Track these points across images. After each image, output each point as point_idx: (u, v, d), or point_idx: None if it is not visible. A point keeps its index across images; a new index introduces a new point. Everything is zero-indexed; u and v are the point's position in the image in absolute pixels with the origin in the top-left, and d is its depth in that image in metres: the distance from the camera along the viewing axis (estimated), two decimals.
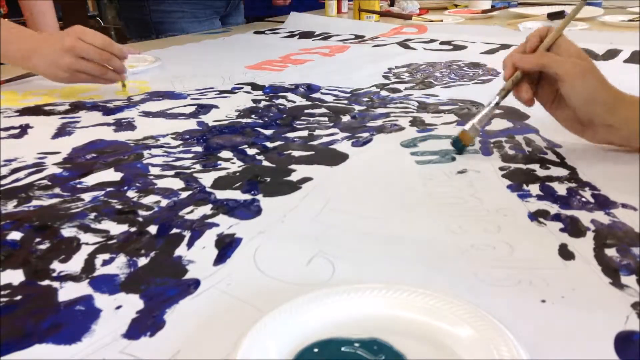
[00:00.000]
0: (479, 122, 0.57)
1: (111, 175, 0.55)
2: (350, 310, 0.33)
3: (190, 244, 0.42)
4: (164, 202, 0.49)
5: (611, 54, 1.07)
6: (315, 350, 0.30)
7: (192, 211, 0.47)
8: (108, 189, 0.52)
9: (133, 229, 0.44)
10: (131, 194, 0.51)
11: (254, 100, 0.81)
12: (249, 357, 0.29)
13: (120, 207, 0.48)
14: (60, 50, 0.79)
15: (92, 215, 0.47)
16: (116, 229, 0.44)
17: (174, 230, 0.44)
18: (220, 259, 0.40)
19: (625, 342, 0.31)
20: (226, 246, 0.42)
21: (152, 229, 0.44)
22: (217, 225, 0.45)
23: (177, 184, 0.53)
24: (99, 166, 0.57)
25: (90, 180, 0.54)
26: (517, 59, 0.54)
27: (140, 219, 0.46)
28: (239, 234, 0.43)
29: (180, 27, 1.46)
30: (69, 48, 0.79)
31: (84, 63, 0.80)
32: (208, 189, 0.51)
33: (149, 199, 0.50)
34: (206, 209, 0.47)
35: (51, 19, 1.25)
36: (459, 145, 0.57)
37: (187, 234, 0.43)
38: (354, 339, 0.31)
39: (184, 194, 0.50)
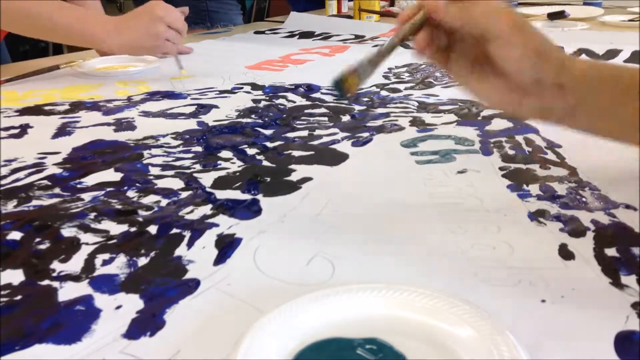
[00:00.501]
0: (369, 64, 0.45)
1: (111, 175, 0.55)
2: (351, 310, 0.33)
3: (190, 244, 0.42)
4: (164, 202, 0.49)
5: (611, 54, 1.07)
6: (315, 350, 0.30)
7: (192, 211, 0.47)
8: (108, 189, 0.52)
9: (133, 229, 0.44)
10: (131, 194, 0.51)
11: (254, 100, 0.81)
12: (249, 357, 0.29)
13: (120, 207, 0.48)
14: (154, 19, 0.86)
15: (92, 215, 0.47)
16: (116, 229, 0.44)
17: (174, 230, 0.44)
18: (220, 259, 0.40)
19: (625, 342, 0.31)
20: (226, 246, 0.42)
21: (152, 229, 0.44)
22: (217, 225, 0.45)
23: (177, 184, 0.53)
24: (99, 166, 0.57)
25: (90, 180, 0.54)
26: (432, 6, 0.42)
27: (140, 219, 0.46)
28: (239, 234, 0.43)
29: (230, 18, 1.48)
30: (161, 17, 0.85)
31: (172, 32, 0.87)
32: (208, 189, 0.51)
33: (149, 199, 0.50)
34: (206, 209, 0.47)
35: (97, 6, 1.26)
36: (341, 90, 0.44)
37: (187, 234, 0.43)
38: (353, 339, 0.31)
39: (184, 194, 0.50)
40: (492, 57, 0.41)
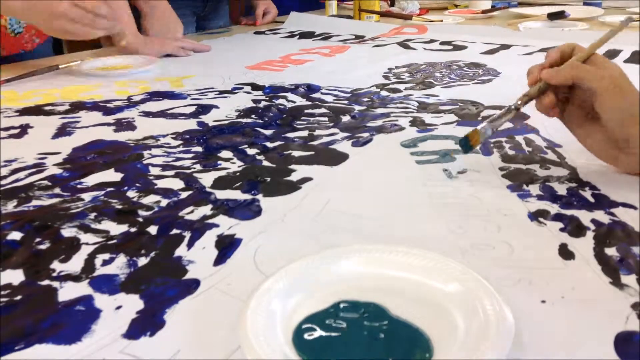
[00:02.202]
0: (493, 124, 0.52)
1: (111, 175, 0.55)
2: (351, 270, 0.36)
3: (190, 245, 0.42)
4: (164, 202, 0.49)
5: (611, 54, 1.07)
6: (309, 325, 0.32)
7: (192, 211, 0.47)
8: (108, 189, 0.52)
9: (133, 229, 0.44)
10: (131, 194, 0.51)
11: (254, 101, 0.81)
12: (255, 322, 0.30)
13: (120, 207, 0.48)
14: (52, 15, 0.84)
15: (92, 215, 0.47)
16: (116, 229, 0.44)
17: (174, 231, 0.44)
18: (221, 259, 0.40)
19: (625, 342, 0.31)
20: (226, 247, 0.42)
21: (152, 229, 0.44)
22: (217, 225, 0.45)
23: (177, 184, 0.53)
24: (99, 166, 0.57)
25: (90, 180, 0.54)
26: (546, 72, 0.49)
27: (140, 219, 0.46)
28: (239, 235, 0.43)
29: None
30: (60, 14, 0.84)
31: (81, 12, 0.85)
32: (208, 189, 0.51)
33: (149, 199, 0.50)
34: (206, 209, 0.47)
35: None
36: (467, 145, 0.53)
37: (187, 234, 0.43)
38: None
39: (184, 194, 0.50)
40: (596, 112, 0.48)
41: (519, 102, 0.52)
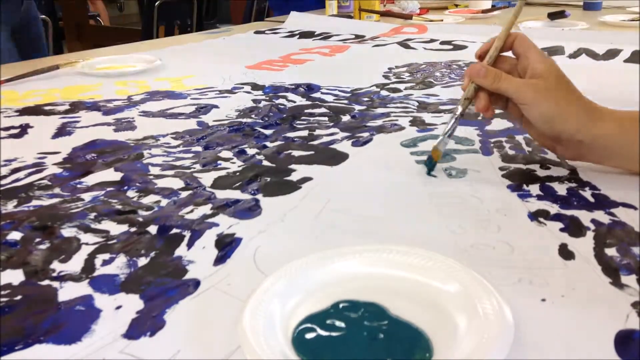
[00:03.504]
0: (446, 136, 0.53)
1: (111, 175, 0.55)
2: (350, 270, 0.36)
3: (190, 244, 0.42)
4: (164, 202, 0.49)
5: (611, 54, 1.07)
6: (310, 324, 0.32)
7: (192, 211, 0.47)
8: (108, 189, 0.52)
9: (133, 229, 0.44)
10: (131, 193, 0.51)
11: (254, 100, 0.81)
12: (254, 321, 0.30)
13: (120, 207, 0.48)
14: None
15: (92, 215, 0.47)
16: (116, 229, 0.44)
17: (174, 230, 0.44)
18: (221, 259, 0.40)
19: (625, 341, 0.31)
20: (226, 246, 0.42)
21: (152, 229, 0.44)
22: (217, 225, 0.45)
23: (177, 183, 0.53)
24: (98, 166, 0.57)
25: (90, 180, 0.54)
26: (474, 75, 0.51)
27: (140, 219, 0.46)
28: (239, 234, 0.43)
29: None
30: None
31: None
32: (208, 189, 0.51)
33: (149, 199, 0.50)
34: (206, 209, 0.47)
35: None
36: (431, 164, 0.54)
37: (187, 234, 0.43)
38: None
39: (184, 194, 0.50)
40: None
41: (460, 107, 0.53)
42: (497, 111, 0.54)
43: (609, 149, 0.49)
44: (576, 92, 0.49)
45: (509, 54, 0.53)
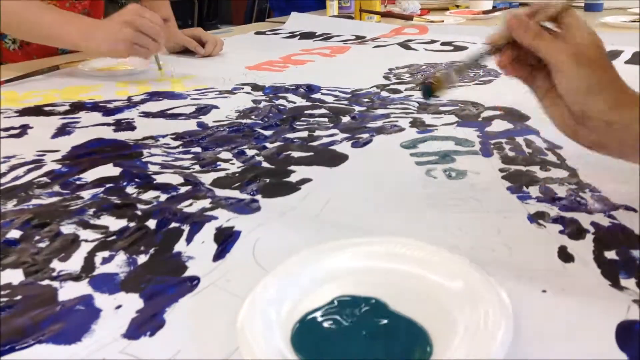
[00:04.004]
0: (457, 70, 0.49)
1: (110, 170, 0.55)
2: (350, 264, 0.36)
3: (189, 239, 0.42)
4: (163, 197, 0.49)
5: (612, 55, 1.07)
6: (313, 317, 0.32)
7: (190, 204, 0.47)
8: (107, 185, 0.52)
9: (132, 224, 0.44)
10: (130, 189, 0.51)
11: (254, 101, 0.81)
12: (254, 318, 0.30)
13: (119, 202, 0.48)
14: (120, 24, 0.87)
15: (91, 211, 0.47)
16: (115, 224, 0.44)
17: (173, 225, 0.44)
18: (220, 254, 0.40)
19: (626, 333, 0.31)
20: (225, 240, 0.42)
21: (151, 224, 0.44)
22: (215, 218, 0.45)
23: (176, 179, 0.53)
24: (98, 162, 0.57)
25: (89, 175, 0.54)
26: (515, 25, 0.46)
27: (139, 213, 0.46)
28: (238, 227, 0.43)
29: None
30: (129, 21, 0.87)
31: (141, 36, 0.88)
32: (208, 186, 0.52)
33: (148, 195, 0.50)
34: (205, 202, 0.48)
35: (168, 15, 1.27)
36: (429, 92, 0.48)
37: (186, 228, 0.43)
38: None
39: (183, 189, 0.51)
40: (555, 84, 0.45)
41: (482, 49, 0.48)
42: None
43: (634, 138, 0.42)
44: (615, 70, 0.45)
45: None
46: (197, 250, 0.41)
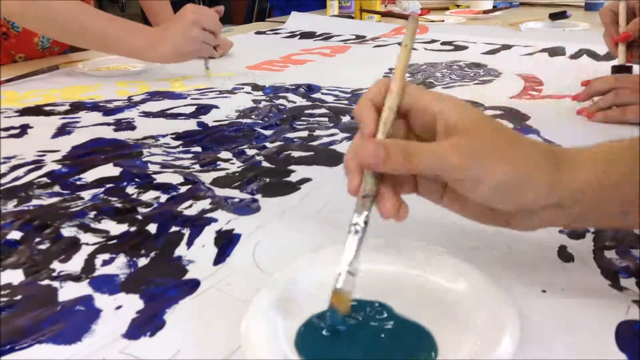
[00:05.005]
0: (352, 266, 0.31)
1: (110, 170, 0.55)
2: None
3: (189, 243, 0.42)
4: (164, 198, 0.49)
5: (612, 55, 1.06)
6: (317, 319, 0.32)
7: (190, 206, 0.47)
8: (107, 186, 0.52)
9: (133, 229, 0.44)
10: (130, 190, 0.51)
11: (254, 101, 0.81)
12: (256, 325, 0.30)
13: (119, 205, 0.48)
14: (188, 24, 0.88)
15: (92, 214, 0.47)
16: (116, 228, 0.44)
17: (174, 228, 0.44)
18: (220, 257, 0.40)
19: (625, 332, 0.31)
20: (225, 244, 0.42)
21: (152, 228, 0.44)
22: (215, 220, 0.45)
23: (176, 178, 0.53)
24: (98, 162, 0.57)
25: (89, 175, 0.54)
26: (371, 161, 0.33)
27: (140, 217, 0.46)
28: (238, 230, 0.43)
29: None
30: (194, 20, 0.88)
31: (207, 34, 0.90)
32: (208, 185, 0.52)
33: (148, 195, 0.50)
34: (205, 203, 0.48)
35: (171, 17, 1.29)
36: (337, 320, 0.31)
37: (187, 232, 0.43)
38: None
39: (183, 189, 0.51)
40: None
41: (359, 217, 0.34)
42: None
43: (594, 202, 0.32)
44: (522, 138, 0.34)
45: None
46: (198, 254, 0.41)
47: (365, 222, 0.33)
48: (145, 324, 0.33)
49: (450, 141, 0.32)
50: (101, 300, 0.36)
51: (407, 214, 0.34)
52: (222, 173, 0.55)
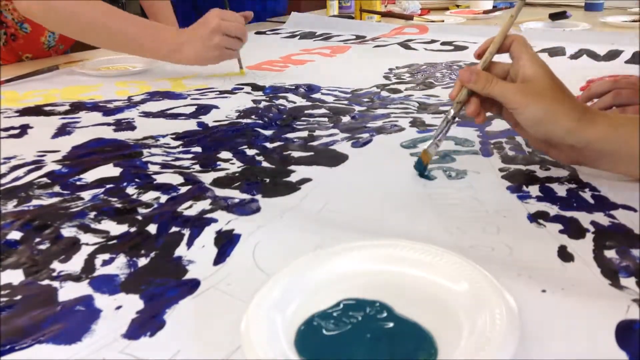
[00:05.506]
0: (438, 139, 0.53)
1: (110, 170, 0.55)
2: (353, 267, 0.36)
3: (189, 243, 0.42)
4: (163, 198, 0.49)
5: (612, 55, 1.07)
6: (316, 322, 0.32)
7: (190, 206, 0.47)
8: (108, 186, 0.52)
9: (133, 229, 0.44)
10: (130, 190, 0.51)
11: (254, 101, 0.81)
12: (256, 324, 0.30)
13: (119, 205, 0.48)
14: (210, 31, 0.88)
15: (92, 214, 0.47)
16: (116, 229, 0.45)
17: (173, 229, 0.44)
18: (220, 257, 0.40)
19: (626, 331, 0.31)
20: (225, 244, 0.42)
21: (152, 228, 0.44)
22: (215, 220, 0.45)
23: (176, 179, 0.53)
24: (98, 162, 0.57)
25: (89, 176, 0.54)
26: (466, 80, 0.50)
27: (140, 217, 0.46)
28: (238, 230, 0.43)
29: None
30: (216, 28, 0.88)
31: (231, 40, 0.90)
32: (207, 185, 0.52)
33: (148, 196, 0.50)
34: (205, 204, 0.48)
35: (171, 17, 1.30)
36: (421, 167, 0.53)
37: (187, 232, 0.43)
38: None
39: (183, 189, 0.51)
40: None
41: (452, 111, 0.52)
42: (488, 114, 0.54)
43: (602, 152, 0.47)
44: (567, 95, 0.48)
45: (506, 56, 0.52)
46: (198, 255, 0.41)
47: (454, 117, 0.52)
48: (145, 324, 0.33)
49: (516, 84, 0.49)
50: (101, 300, 0.36)
51: (483, 121, 0.52)
52: (222, 173, 0.55)
